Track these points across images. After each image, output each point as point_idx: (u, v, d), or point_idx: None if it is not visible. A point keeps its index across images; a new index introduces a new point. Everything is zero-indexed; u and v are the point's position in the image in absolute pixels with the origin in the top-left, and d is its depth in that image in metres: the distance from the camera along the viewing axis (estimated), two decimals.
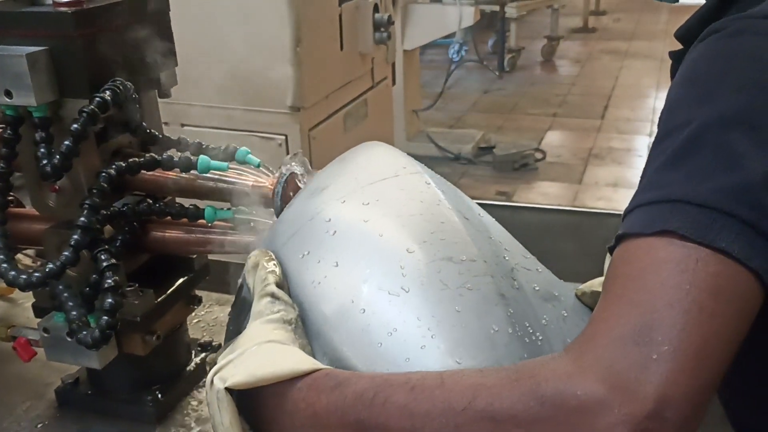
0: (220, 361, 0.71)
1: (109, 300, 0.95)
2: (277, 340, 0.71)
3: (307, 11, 2.71)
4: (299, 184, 1.03)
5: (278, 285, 0.75)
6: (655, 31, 8.83)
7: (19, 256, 1.62)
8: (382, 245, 0.75)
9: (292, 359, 0.68)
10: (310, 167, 1.03)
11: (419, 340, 0.68)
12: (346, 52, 3.07)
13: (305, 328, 0.73)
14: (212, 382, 0.69)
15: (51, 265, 0.94)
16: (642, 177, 0.75)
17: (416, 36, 5.07)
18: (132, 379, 1.20)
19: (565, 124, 5.92)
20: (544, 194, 4.71)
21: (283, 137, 2.88)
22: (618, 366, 0.58)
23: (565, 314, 0.77)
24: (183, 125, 2.71)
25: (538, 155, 5.19)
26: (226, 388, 0.68)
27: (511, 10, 6.80)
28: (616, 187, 4.77)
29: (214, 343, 1.32)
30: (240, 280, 0.85)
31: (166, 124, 2.71)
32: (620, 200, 4.57)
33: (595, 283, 0.87)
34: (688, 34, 0.90)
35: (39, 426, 1.19)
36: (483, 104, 6.56)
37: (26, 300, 1.55)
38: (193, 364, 1.27)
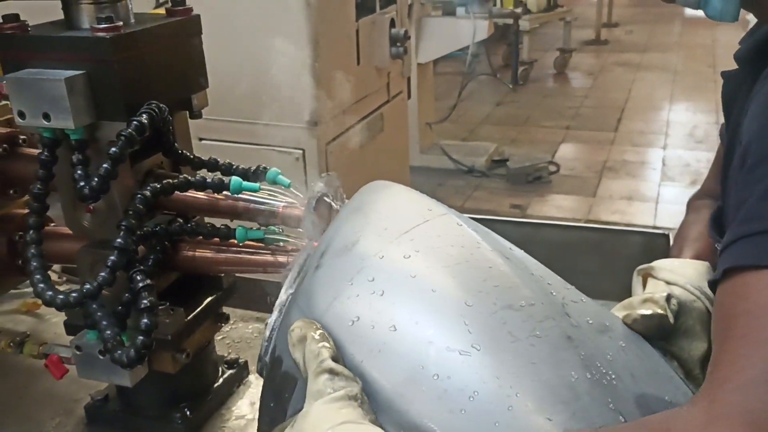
0: None
1: (145, 320, 0.97)
2: (350, 420, 0.65)
3: (324, 27, 2.73)
4: (330, 205, 1.04)
5: (333, 359, 0.69)
6: (669, 44, 8.83)
7: None
8: (438, 301, 0.71)
9: None
10: (339, 187, 1.04)
11: (504, 400, 0.63)
12: (362, 67, 3.09)
13: (370, 402, 0.67)
14: None
15: (88, 285, 0.96)
16: (734, 204, 0.72)
17: (430, 49, 5.09)
18: (161, 397, 1.21)
19: (579, 137, 5.93)
20: (558, 207, 4.71)
21: (301, 151, 2.90)
22: (757, 409, 0.56)
23: (623, 345, 0.74)
24: (201, 139, 2.74)
25: (552, 168, 5.19)
26: None
27: (524, 23, 6.82)
28: (630, 200, 4.76)
29: (240, 361, 1.33)
30: (271, 354, 0.80)
31: None
32: (635, 213, 4.57)
33: (635, 303, 0.86)
34: (751, 55, 0.88)
35: None
36: (496, 117, 6.57)
37: (53, 315, 1.57)
38: (220, 381, 1.28)
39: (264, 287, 1.56)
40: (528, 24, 6.97)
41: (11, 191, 1.22)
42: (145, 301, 0.96)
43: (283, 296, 0.87)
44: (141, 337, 0.97)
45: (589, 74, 7.88)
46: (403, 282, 0.73)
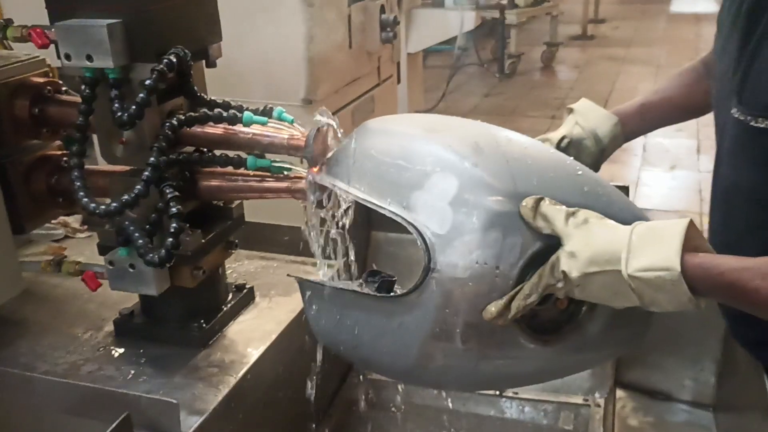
0: (627, 257, 0.93)
1: (174, 224, 1.15)
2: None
3: (318, 10, 2.92)
4: (327, 137, 1.23)
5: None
6: (653, 39, 9.06)
7: (68, 218, 1.83)
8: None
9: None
10: (336, 125, 1.23)
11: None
12: (354, 50, 3.28)
13: None
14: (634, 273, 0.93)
15: (126, 196, 1.15)
16: None
17: (419, 39, 5.29)
18: (180, 310, 1.40)
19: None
20: None
21: None
22: None
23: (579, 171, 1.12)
24: None
25: None
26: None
27: (511, 17, 7.03)
28: (611, 183, 4.96)
29: (247, 286, 1.52)
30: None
31: None
32: None
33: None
34: None
35: (100, 349, 1.39)
36: (484, 107, 6.78)
37: (77, 256, 1.75)
38: (231, 302, 1.47)
39: (268, 231, 1.75)
40: (515, 18, 7.17)
41: (45, 131, 1.39)
42: (173, 208, 1.15)
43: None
44: (170, 239, 1.16)
45: (575, 68, 8.10)
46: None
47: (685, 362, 1.73)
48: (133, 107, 1.13)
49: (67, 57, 1.18)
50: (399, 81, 3.99)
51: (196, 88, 1.29)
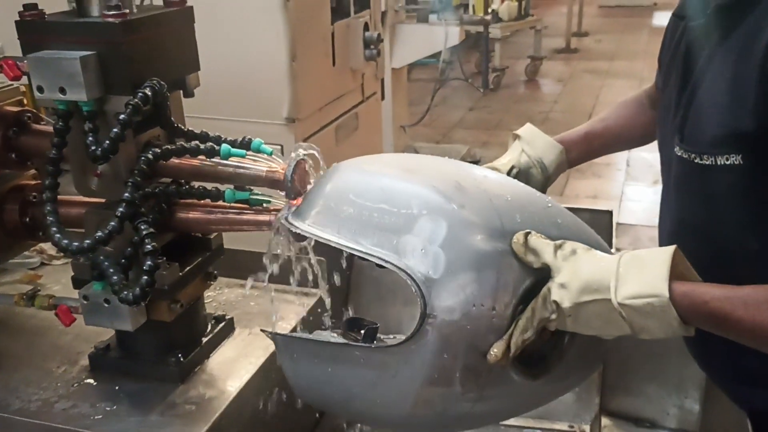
0: (616, 287, 0.94)
1: (149, 262, 1.13)
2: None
3: (301, 28, 2.90)
4: (306, 169, 1.21)
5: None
6: (636, 52, 9.13)
7: (44, 245, 1.80)
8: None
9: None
10: (318, 155, 1.21)
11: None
12: (338, 68, 3.26)
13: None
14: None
15: (100, 233, 1.12)
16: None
17: (404, 54, 5.28)
18: (157, 344, 1.37)
19: None
20: None
21: (279, 147, 3.03)
22: None
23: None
24: None
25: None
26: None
27: (495, 31, 7.05)
28: (596, 198, 4.98)
29: (227, 317, 1.49)
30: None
31: None
32: None
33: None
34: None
35: (75, 385, 1.35)
36: (468, 121, 6.79)
37: (53, 284, 1.72)
38: (210, 334, 1.44)
39: (247, 258, 1.72)
40: (499, 32, 7.20)
41: (14, 156, 1.35)
42: (149, 246, 1.13)
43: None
44: (145, 277, 1.13)
45: (558, 81, 8.14)
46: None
47: (670, 390, 1.71)
48: (107, 142, 1.10)
49: (40, 89, 1.15)
50: (383, 98, 3.98)
51: (173, 118, 1.27)
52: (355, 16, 3.35)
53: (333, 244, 1.01)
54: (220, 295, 1.66)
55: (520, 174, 1.45)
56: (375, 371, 1.03)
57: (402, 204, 1.01)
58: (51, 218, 1.17)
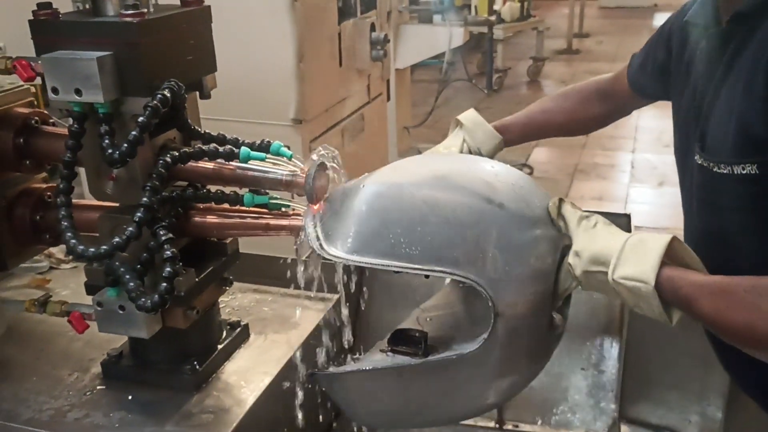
0: (613, 265, 0.99)
1: (168, 269, 1.09)
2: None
3: (309, 29, 2.87)
4: (327, 173, 1.18)
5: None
6: None
7: (53, 250, 1.77)
8: None
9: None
10: (338, 158, 1.18)
11: None
12: (344, 69, 3.23)
13: None
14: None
15: (117, 239, 1.08)
16: None
17: (407, 55, 5.25)
18: (172, 352, 1.33)
19: (552, 142, 6.10)
20: None
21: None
22: None
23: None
24: None
25: (526, 170, 5.37)
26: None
27: (498, 32, 7.02)
28: (601, 200, 4.95)
29: (242, 323, 1.46)
30: None
31: None
32: None
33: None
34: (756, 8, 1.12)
35: (87, 394, 1.32)
36: None
37: (61, 289, 1.68)
38: (225, 340, 1.41)
39: (261, 263, 1.69)
40: (502, 33, 7.17)
41: (28, 163, 1.33)
42: (168, 252, 1.09)
43: None
44: (164, 284, 1.09)
45: (561, 82, 8.10)
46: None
47: (691, 397, 1.68)
48: (125, 146, 1.07)
49: (55, 91, 1.12)
50: (389, 98, 3.95)
51: (189, 120, 1.24)
52: (362, 17, 3.32)
53: (385, 268, 1.01)
54: (233, 300, 1.63)
55: None
56: (448, 380, 1.08)
57: (449, 215, 1.02)
58: (66, 223, 1.13)
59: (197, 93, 1.29)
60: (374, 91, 3.64)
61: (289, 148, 1.22)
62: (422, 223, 1.01)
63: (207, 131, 1.26)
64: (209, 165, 1.22)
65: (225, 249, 1.36)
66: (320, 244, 1.04)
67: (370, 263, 1.00)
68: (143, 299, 1.11)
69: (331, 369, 1.13)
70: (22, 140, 1.30)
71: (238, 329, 1.45)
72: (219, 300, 1.44)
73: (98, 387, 1.34)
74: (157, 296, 1.10)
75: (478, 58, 8.00)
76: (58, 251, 1.78)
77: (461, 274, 1.00)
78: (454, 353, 1.07)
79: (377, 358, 1.11)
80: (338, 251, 1.02)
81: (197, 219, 1.27)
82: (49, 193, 1.39)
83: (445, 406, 1.14)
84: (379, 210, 1.02)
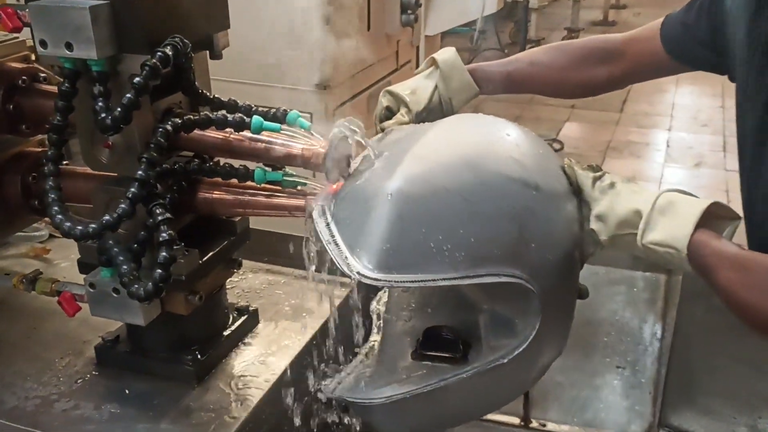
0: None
1: (164, 254, 0.96)
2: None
3: None
4: (351, 148, 1.03)
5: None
6: None
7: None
8: None
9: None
10: (362, 131, 1.03)
11: None
12: (373, 33, 3.07)
13: None
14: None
15: (107, 217, 0.95)
16: None
17: (438, 22, 5.03)
18: (172, 339, 1.21)
19: (584, 117, 5.91)
20: None
21: (309, 115, 2.86)
22: None
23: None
24: None
25: (556, 146, 5.18)
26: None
27: (533, 0, 6.77)
28: (634, 180, 4.76)
29: (251, 308, 1.33)
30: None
31: None
32: None
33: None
34: None
35: (78, 381, 1.20)
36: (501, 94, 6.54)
37: (62, 260, 1.57)
38: (231, 327, 1.28)
39: (275, 240, 1.56)
40: (537, 1, 6.92)
41: (24, 127, 1.21)
42: (164, 234, 0.96)
43: None
44: (159, 271, 0.96)
45: None
46: None
47: (740, 407, 1.54)
48: (119, 109, 0.93)
49: (43, 44, 0.98)
50: (417, 66, 3.77)
51: (197, 84, 1.09)
52: None
53: (431, 284, 0.86)
54: (243, 281, 1.50)
55: (426, 114, 1.28)
56: (492, 380, 0.98)
57: (490, 209, 0.90)
58: (52, 195, 1.00)
59: (207, 52, 1.15)
60: (403, 57, 3.47)
61: (312, 115, 1.07)
62: (464, 223, 0.87)
63: (217, 96, 1.12)
64: (217, 135, 1.08)
65: (234, 227, 1.23)
66: (347, 261, 0.86)
67: (413, 281, 0.85)
68: (136, 286, 0.98)
69: (365, 395, 0.98)
70: (11, 98, 1.17)
71: (246, 315, 1.32)
72: (226, 282, 1.32)
73: (91, 374, 1.22)
74: (150, 284, 0.97)
75: (510, 27, 7.74)
76: None
77: (508, 273, 0.88)
78: (502, 355, 0.95)
79: (408, 364, 0.99)
80: (373, 272, 0.84)
81: (203, 194, 1.13)
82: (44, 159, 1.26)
83: (485, 402, 1.07)
84: (416, 215, 0.86)
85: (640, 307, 1.75)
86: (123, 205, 0.95)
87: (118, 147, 1.05)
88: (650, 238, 0.94)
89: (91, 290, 1.11)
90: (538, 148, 1.04)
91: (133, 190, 0.95)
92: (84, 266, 1.16)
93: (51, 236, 1.65)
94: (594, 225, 0.99)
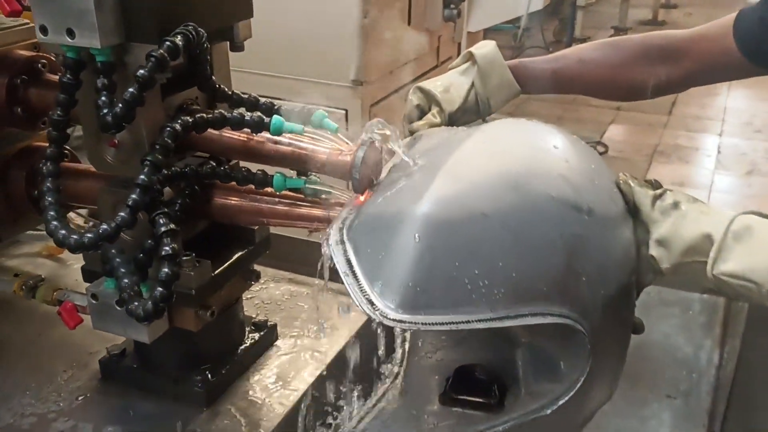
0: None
1: (166, 269, 0.85)
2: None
3: None
4: (381, 153, 0.92)
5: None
6: None
7: (70, 215, 1.55)
8: None
9: None
10: (396, 135, 0.91)
11: None
12: (413, 28, 2.94)
13: None
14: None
15: (105, 226, 0.85)
16: None
17: (482, 17, 4.88)
18: (181, 356, 1.11)
19: (630, 119, 5.70)
20: None
21: (343, 112, 2.77)
22: None
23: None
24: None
25: (600, 149, 4.99)
26: None
27: None
28: (681, 186, 4.55)
29: (269, 324, 1.23)
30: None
31: None
32: None
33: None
34: None
35: (80, 398, 1.11)
36: (544, 94, 6.36)
37: (76, 261, 1.47)
38: (246, 343, 1.18)
39: (299, 246, 1.45)
40: None
41: (31, 121, 1.12)
42: (167, 248, 0.85)
43: None
44: (160, 289, 0.86)
45: None
46: None
47: None
48: (119, 106, 0.82)
49: (43, 30, 0.88)
50: None
51: (214, 78, 0.99)
52: None
53: (464, 327, 0.73)
54: (263, 291, 1.39)
55: (461, 115, 1.14)
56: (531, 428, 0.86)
57: (536, 238, 0.76)
58: (49, 198, 0.90)
59: (227, 44, 1.04)
60: (444, 54, 3.34)
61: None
62: (504, 254, 0.73)
63: (236, 92, 1.01)
64: (234, 135, 0.98)
65: (253, 236, 1.12)
66: (367, 298, 0.73)
67: (443, 323, 0.72)
68: (135, 303, 0.88)
69: None
70: (18, 89, 1.08)
71: (265, 331, 1.21)
72: (245, 294, 1.21)
73: (94, 390, 1.13)
74: (150, 304, 0.86)
75: (555, 24, 7.53)
76: (75, 215, 1.57)
77: (555, 313, 0.75)
78: (544, 405, 0.83)
79: (436, 409, 0.87)
80: (397, 313, 0.71)
81: (218, 200, 1.03)
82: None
83: None
84: (448, 246, 0.74)
85: (695, 331, 1.61)
86: (122, 214, 0.84)
87: (125, 146, 0.95)
88: (723, 269, 0.82)
89: (94, 302, 1.02)
90: (590, 161, 0.90)
91: (134, 196, 0.85)
92: (88, 274, 1.06)
93: None
94: (654, 251, 0.86)
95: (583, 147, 0.93)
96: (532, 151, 0.87)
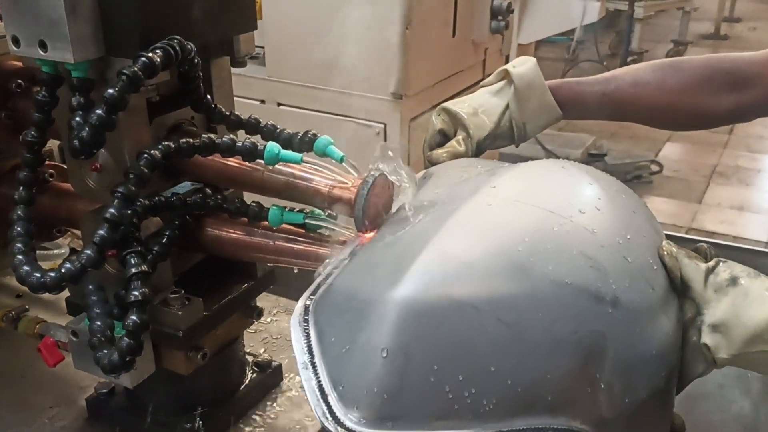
0: None
1: (134, 317, 0.75)
2: None
3: None
4: (391, 187, 0.80)
5: None
6: None
7: (76, 231, 1.47)
8: None
9: None
10: (401, 166, 0.79)
11: None
12: (458, 40, 2.83)
13: None
14: None
15: (69, 265, 0.75)
16: None
17: (533, 29, 4.73)
18: (172, 400, 1.01)
19: (687, 137, 5.45)
20: (658, 211, 4.29)
21: (382, 126, 2.67)
22: None
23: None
24: (279, 105, 2.55)
25: (654, 168, 4.78)
26: None
27: (639, 9, 6.35)
28: (741, 210, 4.32)
29: (273, 364, 1.12)
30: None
31: (262, 102, 2.53)
32: (745, 225, 4.13)
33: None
34: None
35: None
36: None
37: None
38: (245, 386, 1.07)
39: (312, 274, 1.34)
40: (642, 11, 6.48)
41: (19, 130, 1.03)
42: (135, 293, 0.75)
43: None
44: (126, 340, 0.75)
45: None
46: None
47: None
48: (86, 130, 0.72)
49: (15, 41, 0.79)
50: None
51: (209, 97, 0.89)
52: None
53: None
54: (272, 325, 1.28)
55: (491, 141, 1.03)
56: None
57: (539, 336, 0.61)
58: (18, 228, 0.81)
59: (228, 59, 0.94)
60: (491, 67, 3.21)
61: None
62: (498, 357, 0.60)
63: (235, 113, 0.91)
64: (230, 162, 0.87)
65: (254, 270, 1.02)
66: (324, 407, 0.60)
67: None
68: (103, 351, 0.78)
69: None
70: (9, 101, 1.00)
71: (268, 371, 1.10)
72: (251, 327, 1.11)
73: (80, 430, 1.04)
74: (116, 355, 0.76)
75: (611, 37, 7.32)
76: (71, 237, 1.50)
77: (563, 427, 0.61)
78: None
79: None
80: (361, 426, 0.59)
81: (212, 231, 0.92)
82: (51, 171, 1.09)
83: None
84: (426, 345, 0.60)
85: (753, 383, 1.45)
86: (88, 251, 0.75)
87: (108, 170, 0.86)
88: None
89: (74, 339, 0.92)
90: (626, 228, 0.73)
91: (101, 232, 0.75)
92: (72, 307, 0.97)
93: (73, 251, 1.49)
94: (708, 338, 0.72)
95: (622, 206, 0.77)
96: (548, 218, 0.69)
